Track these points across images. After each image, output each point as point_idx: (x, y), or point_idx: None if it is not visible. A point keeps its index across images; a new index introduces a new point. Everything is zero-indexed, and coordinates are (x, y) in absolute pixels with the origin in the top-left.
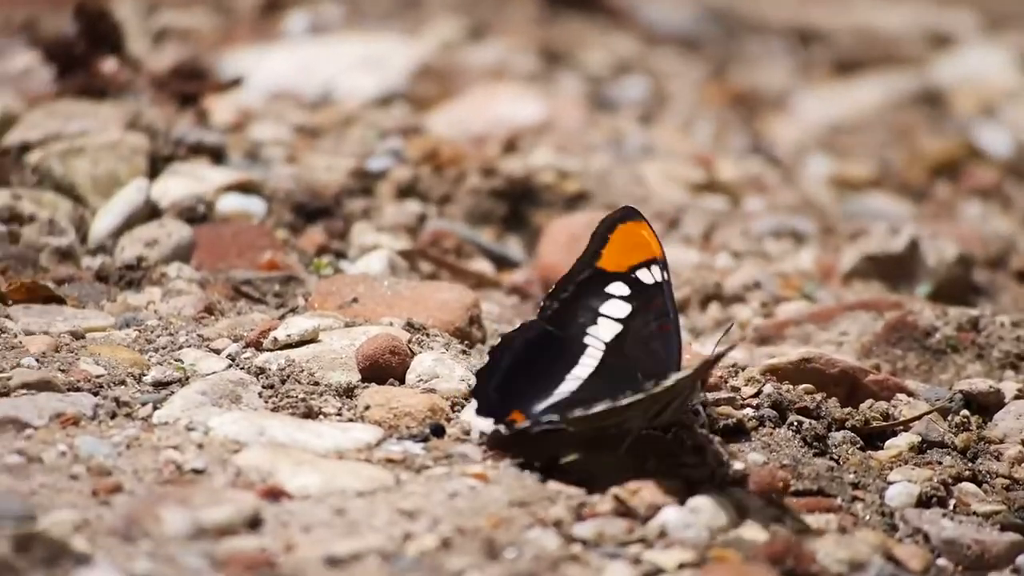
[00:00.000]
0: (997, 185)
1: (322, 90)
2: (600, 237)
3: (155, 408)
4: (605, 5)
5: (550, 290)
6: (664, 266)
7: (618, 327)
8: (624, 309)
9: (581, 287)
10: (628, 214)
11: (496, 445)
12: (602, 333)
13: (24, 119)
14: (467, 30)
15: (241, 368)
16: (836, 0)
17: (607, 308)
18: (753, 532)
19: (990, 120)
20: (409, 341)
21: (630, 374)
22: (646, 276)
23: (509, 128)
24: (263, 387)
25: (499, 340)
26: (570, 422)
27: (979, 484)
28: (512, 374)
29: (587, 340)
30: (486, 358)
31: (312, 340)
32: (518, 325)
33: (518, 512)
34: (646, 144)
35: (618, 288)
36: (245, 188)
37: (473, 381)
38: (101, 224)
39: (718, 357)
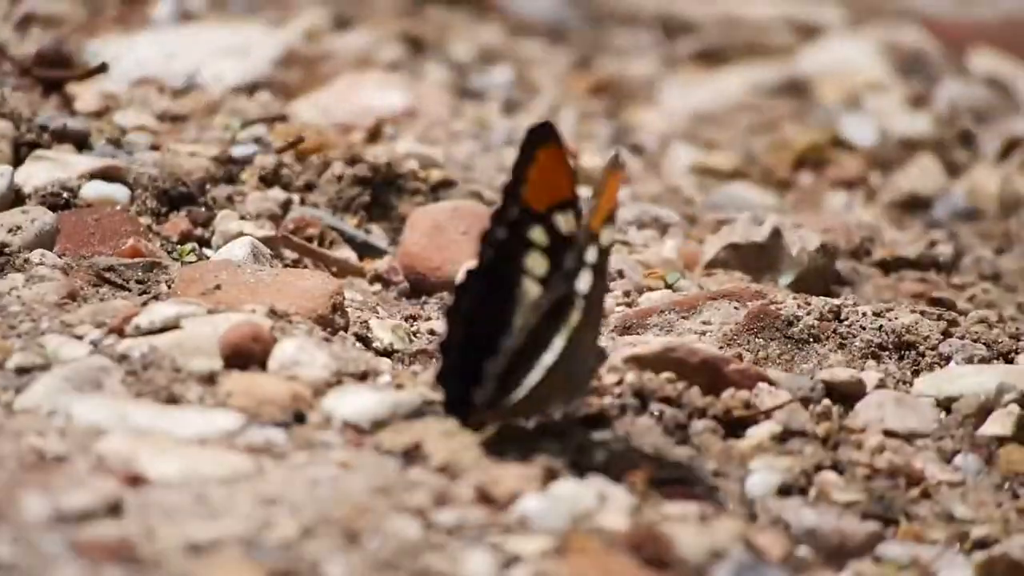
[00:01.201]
0: (861, 175)
1: (187, 77)
2: (522, 165)
3: (17, 394)
4: None
5: (489, 226)
6: (578, 209)
7: (537, 290)
8: (542, 265)
9: (512, 229)
10: (549, 134)
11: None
12: (525, 295)
13: None
14: (332, 19)
15: (103, 355)
16: None
17: (530, 262)
18: (613, 520)
19: (854, 111)
20: (272, 328)
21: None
22: (561, 223)
23: (374, 116)
24: (125, 373)
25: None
26: (511, 410)
27: (840, 473)
28: (464, 356)
29: (516, 291)
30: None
31: (174, 327)
32: (463, 276)
33: (379, 500)
34: (511, 133)
35: (538, 235)
36: (109, 175)
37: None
38: None
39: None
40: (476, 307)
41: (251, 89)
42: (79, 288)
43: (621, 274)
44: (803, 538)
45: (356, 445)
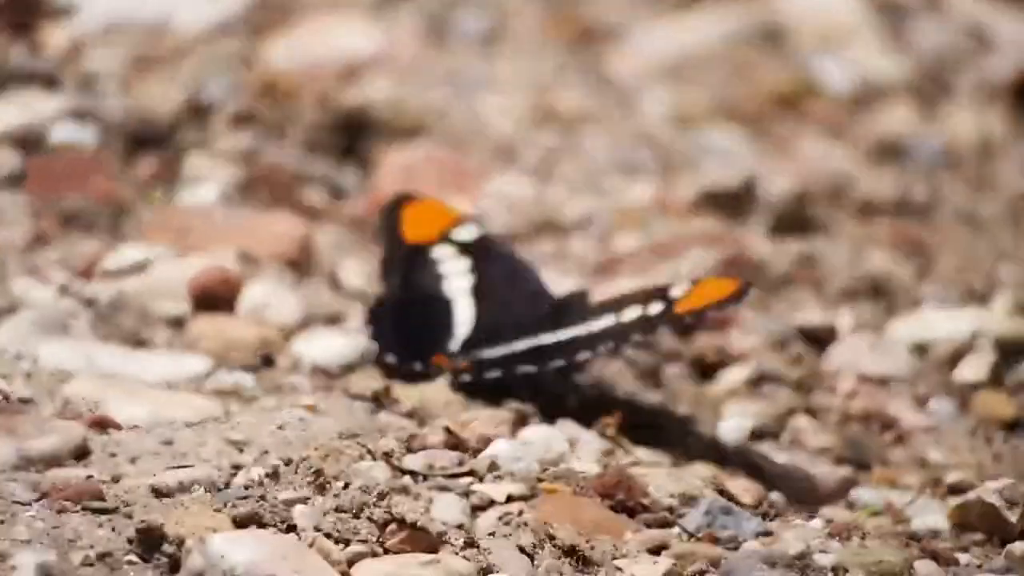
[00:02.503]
0: (836, 120)
1: (158, 18)
2: (390, 226)
3: None
4: None
5: (380, 275)
6: (475, 221)
7: (469, 277)
8: (463, 264)
9: (407, 260)
10: (404, 198)
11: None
12: (457, 285)
13: None
14: None
15: (71, 298)
16: None
17: (446, 268)
18: (584, 465)
19: (830, 55)
20: (241, 271)
21: (511, 304)
22: (463, 235)
23: (347, 59)
24: (93, 317)
25: (367, 315)
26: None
27: (813, 418)
28: (401, 332)
29: (448, 295)
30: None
31: (143, 270)
32: (372, 303)
33: (348, 443)
34: (485, 77)
35: (443, 251)
36: (78, 117)
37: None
38: None
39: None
40: (400, 310)
41: (222, 31)
42: (47, 231)
43: (594, 219)
44: (775, 483)
45: (325, 389)
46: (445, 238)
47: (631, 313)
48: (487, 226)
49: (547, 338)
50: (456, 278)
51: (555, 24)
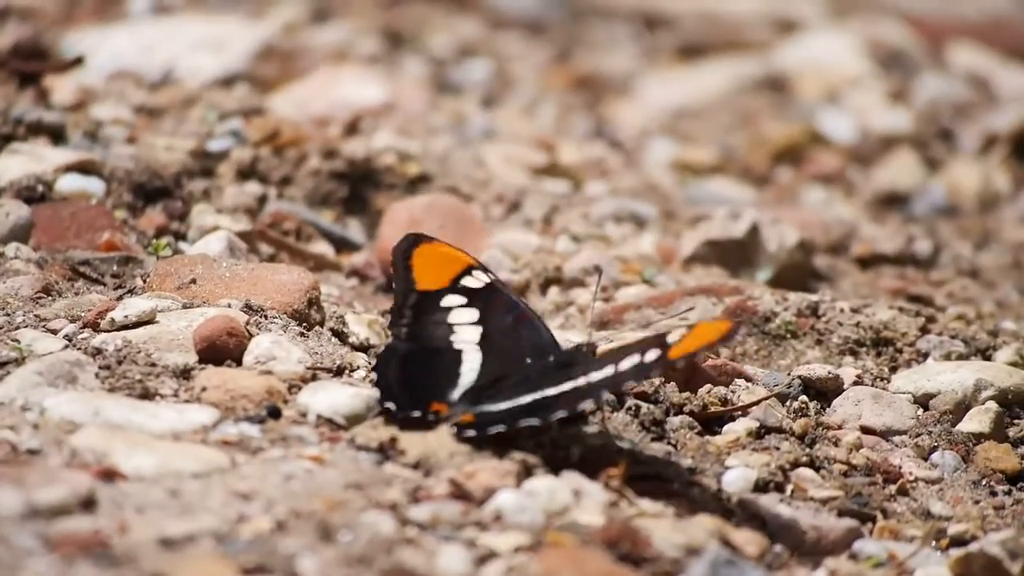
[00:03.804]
0: (839, 171)
1: (164, 70)
2: (403, 269)
3: None
4: None
5: (390, 322)
6: (484, 268)
7: (478, 328)
8: (472, 314)
9: (417, 309)
10: (416, 240)
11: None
12: (466, 337)
13: None
14: (311, 12)
15: (78, 349)
16: None
17: (455, 318)
18: (589, 516)
19: (833, 106)
20: (247, 323)
21: (518, 356)
22: (472, 282)
23: (351, 110)
24: (100, 368)
25: (374, 361)
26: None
27: (816, 470)
28: (406, 378)
29: (457, 346)
30: (373, 377)
31: (149, 321)
32: (382, 349)
33: (354, 495)
34: (488, 127)
35: (453, 300)
36: (85, 168)
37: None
38: None
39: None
40: (407, 359)
41: (228, 82)
42: (54, 282)
43: (598, 269)
44: (779, 535)
45: (331, 440)
46: (455, 285)
47: (629, 362)
48: (495, 272)
49: (551, 391)
50: (464, 330)
51: (557, 74)
